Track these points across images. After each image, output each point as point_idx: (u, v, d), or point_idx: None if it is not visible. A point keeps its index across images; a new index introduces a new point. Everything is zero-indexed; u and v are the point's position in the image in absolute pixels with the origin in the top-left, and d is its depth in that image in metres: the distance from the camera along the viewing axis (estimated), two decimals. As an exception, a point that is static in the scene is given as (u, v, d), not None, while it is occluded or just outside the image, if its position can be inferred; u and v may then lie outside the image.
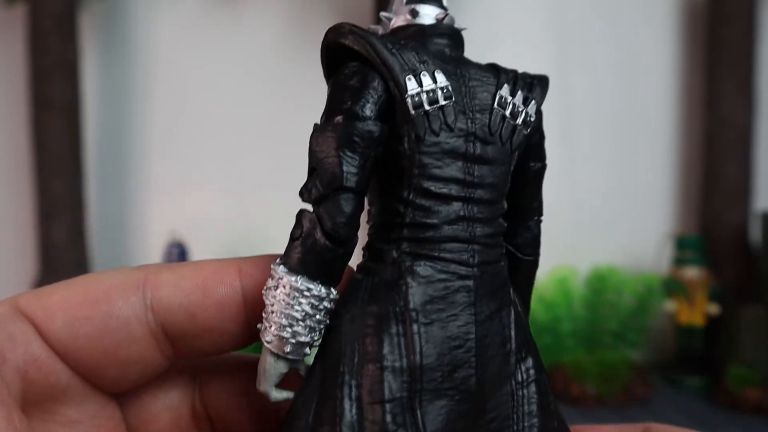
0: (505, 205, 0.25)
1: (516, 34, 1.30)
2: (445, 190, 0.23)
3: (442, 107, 0.23)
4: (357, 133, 0.22)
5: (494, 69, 0.26)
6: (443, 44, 0.25)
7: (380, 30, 0.27)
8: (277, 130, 1.27)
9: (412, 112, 0.23)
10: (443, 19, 0.26)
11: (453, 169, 0.23)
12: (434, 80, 0.23)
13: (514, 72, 0.26)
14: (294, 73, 1.28)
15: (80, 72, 1.17)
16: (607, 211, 1.35)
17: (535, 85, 0.26)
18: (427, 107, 0.23)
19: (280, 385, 0.24)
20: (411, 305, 0.23)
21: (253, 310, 0.24)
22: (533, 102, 0.25)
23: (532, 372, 0.25)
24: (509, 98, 0.25)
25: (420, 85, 0.23)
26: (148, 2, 1.30)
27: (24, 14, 1.16)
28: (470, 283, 0.23)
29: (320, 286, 0.23)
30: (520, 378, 0.25)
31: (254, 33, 1.30)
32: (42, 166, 1.14)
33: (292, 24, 1.30)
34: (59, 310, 0.23)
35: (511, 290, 0.25)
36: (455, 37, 0.26)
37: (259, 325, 0.24)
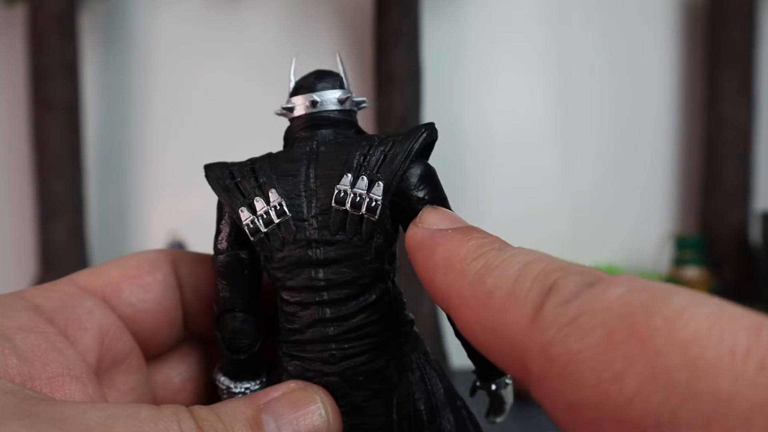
0: (374, 295, 0.24)
1: (516, 34, 1.30)
2: (298, 298, 0.24)
3: (278, 224, 0.24)
4: (221, 265, 0.26)
5: (346, 153, 0.24)
6: (304, 139, 0.26)
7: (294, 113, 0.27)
8: (277, 129, 1.27)
9: (252, 238, 0.24)
10: (315, 104, 0.26)
11: (301, 278, 0.24)
12: (267, 201, 0.24)
13: (369, 145, 0.24)
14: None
15: (80, 72, 1.17)
16: (607, 211, 1.35)
17: (388, 157, 0.24)
18: (264, 230, 0.24)
19: None
20: None
21: None
22: (379, 183, 0.24)
23: None
24: (349, 190, 0.24)
25: (253, 211, 0.24)
26: (148, 2, 1.30)
27: (24, 14, 1.16)
28: (333, 379, 0.24)
29: (234, 383, 0.26)
30: None
31: (254, 33, 1.30)
32: (42, 166, 1.14)
33: (292, 24, 1.30)
34: (123, 282, 0.26)
35: (396, 372, 0.24)
36: (322, 123, 0.26)
37: None
